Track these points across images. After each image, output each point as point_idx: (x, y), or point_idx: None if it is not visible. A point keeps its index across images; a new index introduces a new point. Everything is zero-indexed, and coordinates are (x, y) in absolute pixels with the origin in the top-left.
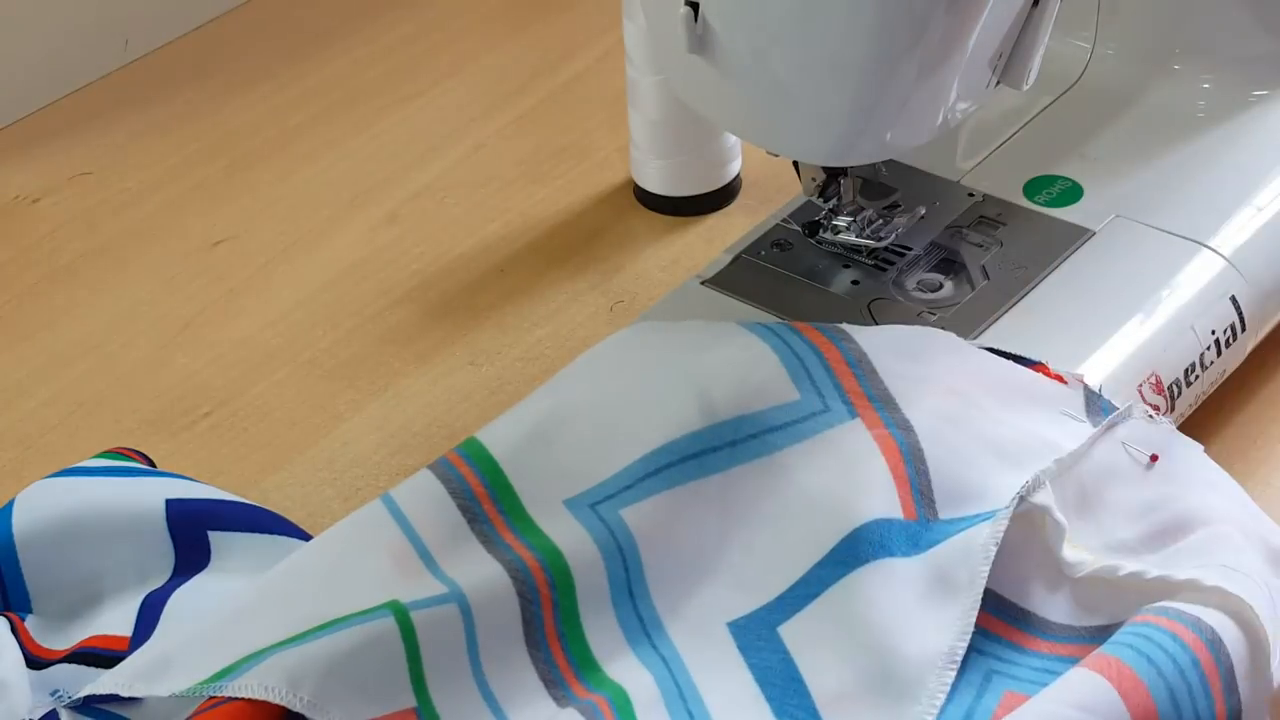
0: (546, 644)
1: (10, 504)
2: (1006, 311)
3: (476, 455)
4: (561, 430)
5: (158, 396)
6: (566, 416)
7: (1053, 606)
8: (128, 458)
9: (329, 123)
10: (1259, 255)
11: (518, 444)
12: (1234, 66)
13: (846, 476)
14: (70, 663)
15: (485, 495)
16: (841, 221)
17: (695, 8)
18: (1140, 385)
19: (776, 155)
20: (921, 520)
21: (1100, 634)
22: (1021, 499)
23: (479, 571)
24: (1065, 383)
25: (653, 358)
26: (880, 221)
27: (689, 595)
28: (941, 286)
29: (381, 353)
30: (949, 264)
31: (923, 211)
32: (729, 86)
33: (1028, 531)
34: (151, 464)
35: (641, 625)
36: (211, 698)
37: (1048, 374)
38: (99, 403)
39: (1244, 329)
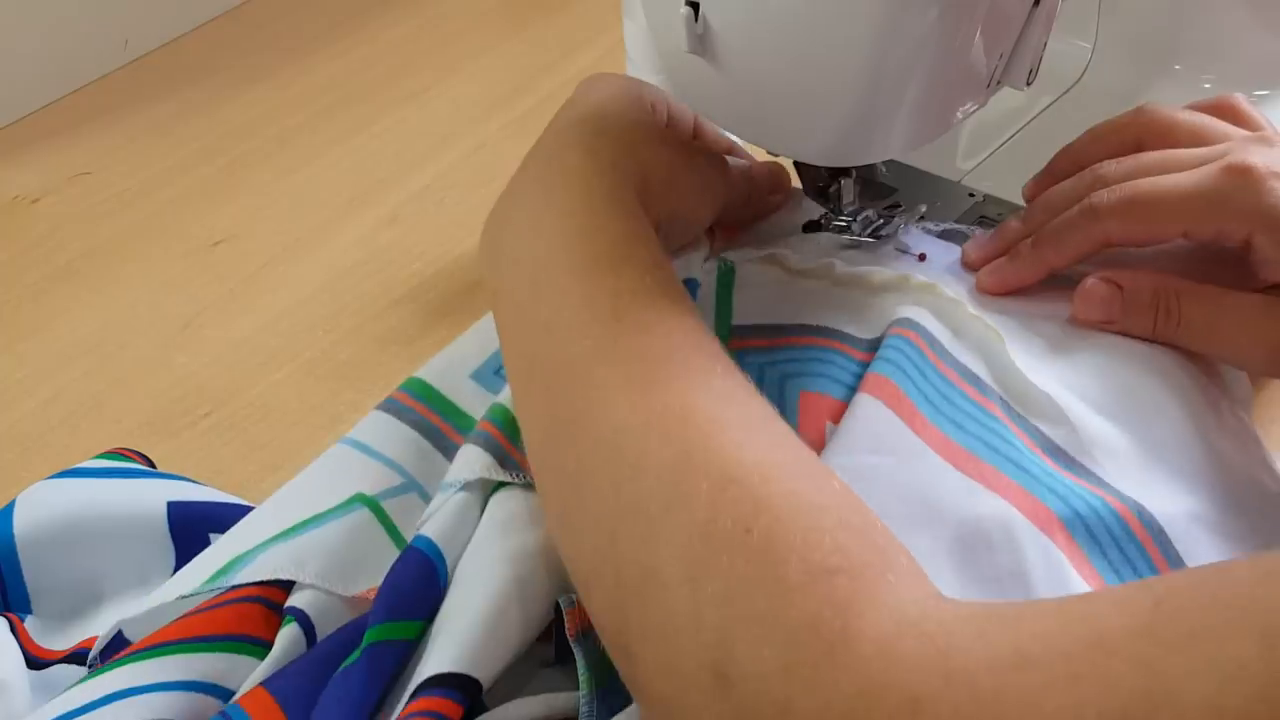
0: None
1: (11, 505)
2: None
3: (424, 392)
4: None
5: (157, 396)
6: None
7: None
8: (128, 458)
9: (329, 123)
10: None
11: (446, 370)
12: (1234, 66)
13: None
14: (70, 663)
15: (446, 426)
16: (841, 221)
17: (695, 7)
18: None
19: (776, 155)
20: None
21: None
22: None
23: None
24: None
25: None
26: (880, 221)
27: None
28: None
29: (381, 353)
30: None
31: (923, 211)
32: (729, 86)
33: None
34: (151, 465)
35: None
36: (221, 594)
37: None
38: (99, 403)
39: None
